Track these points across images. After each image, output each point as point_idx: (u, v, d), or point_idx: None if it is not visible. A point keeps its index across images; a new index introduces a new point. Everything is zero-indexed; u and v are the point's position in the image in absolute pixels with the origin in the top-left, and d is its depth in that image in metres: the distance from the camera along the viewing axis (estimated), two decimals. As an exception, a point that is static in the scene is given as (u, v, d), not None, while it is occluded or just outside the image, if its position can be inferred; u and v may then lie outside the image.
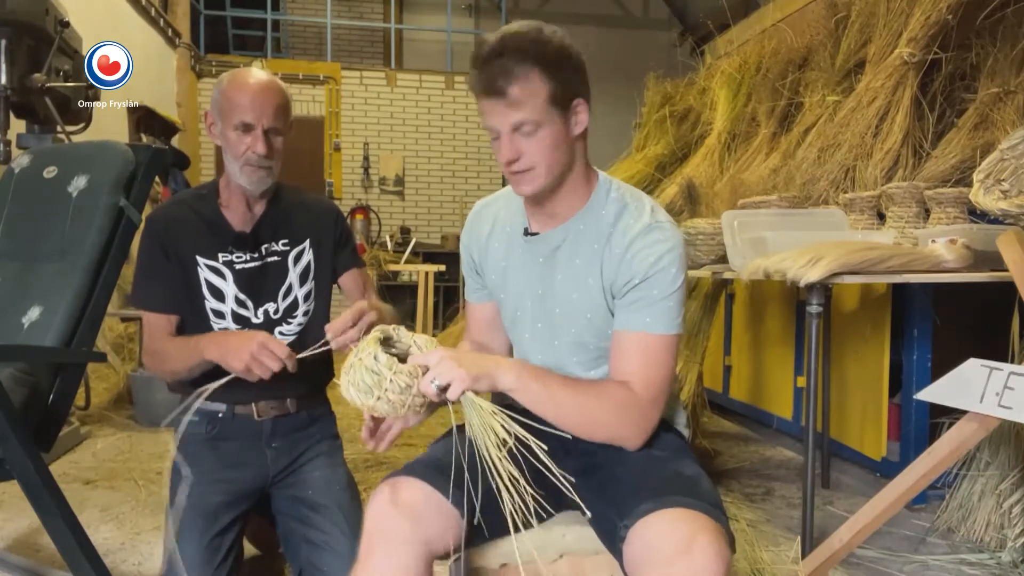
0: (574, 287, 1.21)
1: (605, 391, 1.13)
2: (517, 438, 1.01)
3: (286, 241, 1.61)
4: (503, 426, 1.00)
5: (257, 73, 1.51)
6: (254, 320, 1.57)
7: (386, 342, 1.10)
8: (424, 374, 1.02)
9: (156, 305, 1.56)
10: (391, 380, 1.00)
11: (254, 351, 1.32)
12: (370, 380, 1.00)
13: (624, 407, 1.11)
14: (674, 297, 1.14)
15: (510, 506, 1.00)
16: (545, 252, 1.23)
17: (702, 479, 1.10)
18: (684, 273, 1.16)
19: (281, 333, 1.59)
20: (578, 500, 1.06)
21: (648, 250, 1.14)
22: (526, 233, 1.25)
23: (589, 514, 1.11)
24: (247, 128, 1.47)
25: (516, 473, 1.00)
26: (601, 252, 1.18)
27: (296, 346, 1.58)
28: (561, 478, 1.01)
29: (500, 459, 1.00)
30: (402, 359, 1.06)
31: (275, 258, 1.59)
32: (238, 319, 1.56)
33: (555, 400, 1.08)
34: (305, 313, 1.62)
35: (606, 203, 1.21)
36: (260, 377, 1.34)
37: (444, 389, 1.01)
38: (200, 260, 1.55)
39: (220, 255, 1.56)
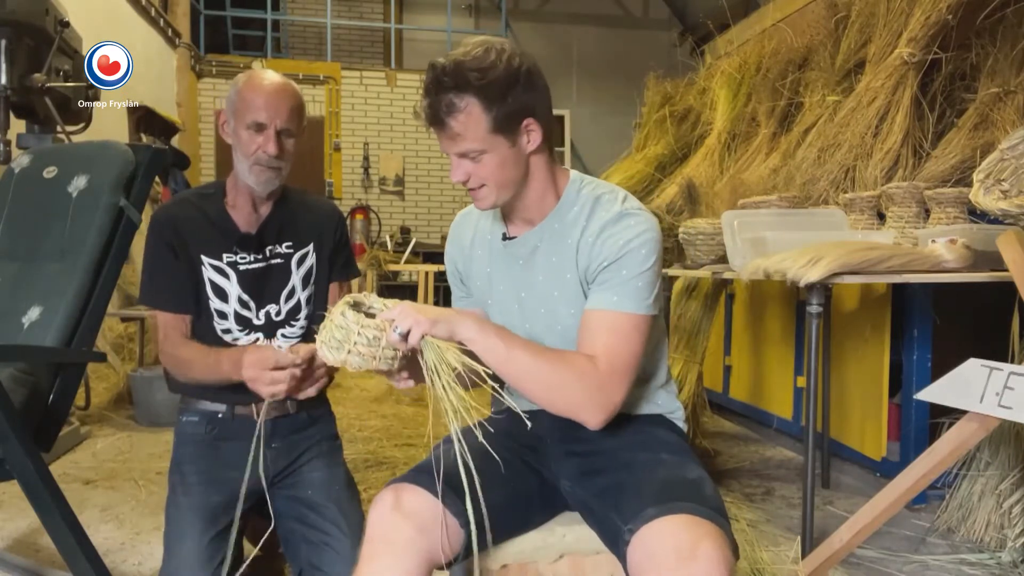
0: (554, 285, 1.22)
1: (566, 359, 1.13)
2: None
3: (290, 244, 1.61)
4: (457, 354, 1.04)
5: (273, 75, 1.52)
6: (255, 321, 1.57)
7: (356, 306, 1.12)
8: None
9: (167, 304, 1.55)
10: (359, 333, 1.03)
11: (253, 380, 1.37)
12: (340, 335, 1.04)
13: (584, 377, 1.10)
14: (644, 277, 1.14)
15: (454, 425, 1.04)
16: (524, 255, 1.25)
17: (706, 484, 1.10)
18: (656, 256, 1.16)
19: (284, 335, 1.59)
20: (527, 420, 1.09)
21: (619, 234, 1.16)
22: (504, 238, 1.27)
23: (528, 423, 1.12)
24: (260, 128, 1.47)
25: (465, 396, 1.04)
26: (576, 245, 1.19)
27: None
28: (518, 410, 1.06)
29: (449, 384, 1.03)
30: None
31: (278, 260, 1.59)
32: (240, 320, 1.56)
33: (514, 358, 1.09)
34: (307, 316, 1.62)
35: (577, 200, 1.22)
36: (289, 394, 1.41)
37: (406, 336, 1.03)
38: (205, 259, 1.55)
39: (224, 255, 1.56)
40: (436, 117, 1.12)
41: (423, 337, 1.04)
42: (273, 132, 1.47)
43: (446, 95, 1.10)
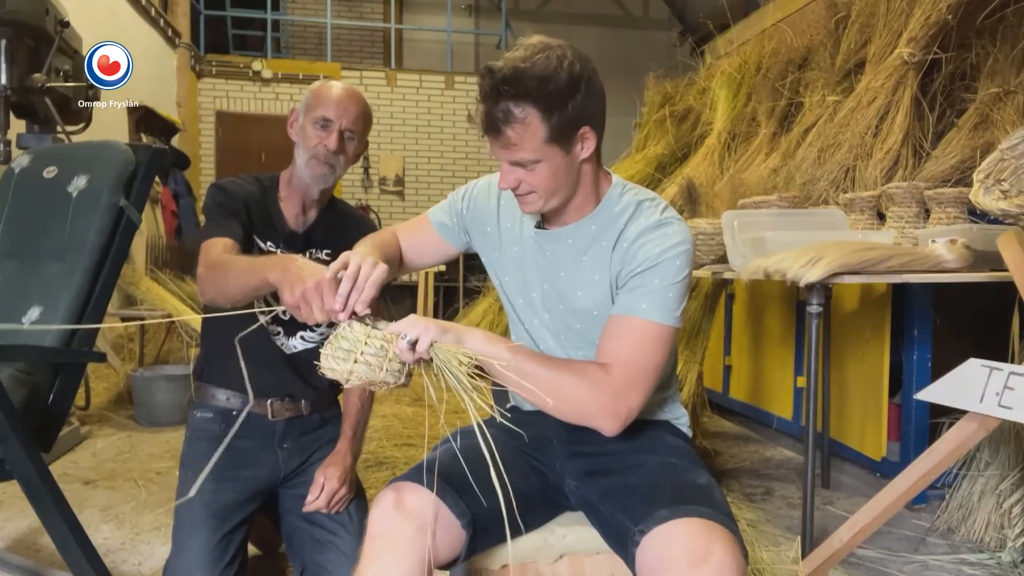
0: (578, 284, 1.22)
1: (578, 369, 1.12)
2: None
3: (329, 252, 1.63)
4: (467, 356, 1.03)
5: (348, 85, 1.60)
6: (282, 316, 1.58)
7: (362, 321, 1.12)
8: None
9: (229, 232, 1.47)
10: (366, 343, 1.03)
11: (307, 291, 1.12)
12: (347, 345, 1.04)
13: (595, 385, 1.09)
14: (674, 288, 1.14)
15: (473, 409, 0.99)
16: (552, 248, 1.24)
17: (715, 489, 1.10)
18: (689, 269, 1.16)
19: (303, 338, 1.61)
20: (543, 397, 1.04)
21: (656, 242, 1.15)
22: (537, 226, 1.26)
23: (550, 402, 1.07)
24: (326, 123, 1.53)
25: (480, 384, 1.01)
26: (611, 248, 1.19)
27: (314, 352, 1.59)
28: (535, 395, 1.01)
29: (465, 377, 1.01)
30: None
31: None
32: (267, 305, 1.57)
33: (523, 370, 1.07)
34: (329, 324, 1.62)
35: (618, 203, 1.22)
36: (305, 320, 1.18)
37: (414, 345, 1.02)
38: (256, 239, 1.57)
39: (269, 243, 1.59)
40: (492, 125, 1.09)
41: (432, 345, 1.03)
42: (337, 130, 1.53)
43: (504, 103, 1.07)
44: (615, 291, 1.19)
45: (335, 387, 1.70)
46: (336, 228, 1.65)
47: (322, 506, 1.52)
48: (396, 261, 1.36)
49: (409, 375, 1.07)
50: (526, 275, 1.28)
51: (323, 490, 1.52)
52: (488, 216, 1.34)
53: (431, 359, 1.04)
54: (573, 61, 1.09)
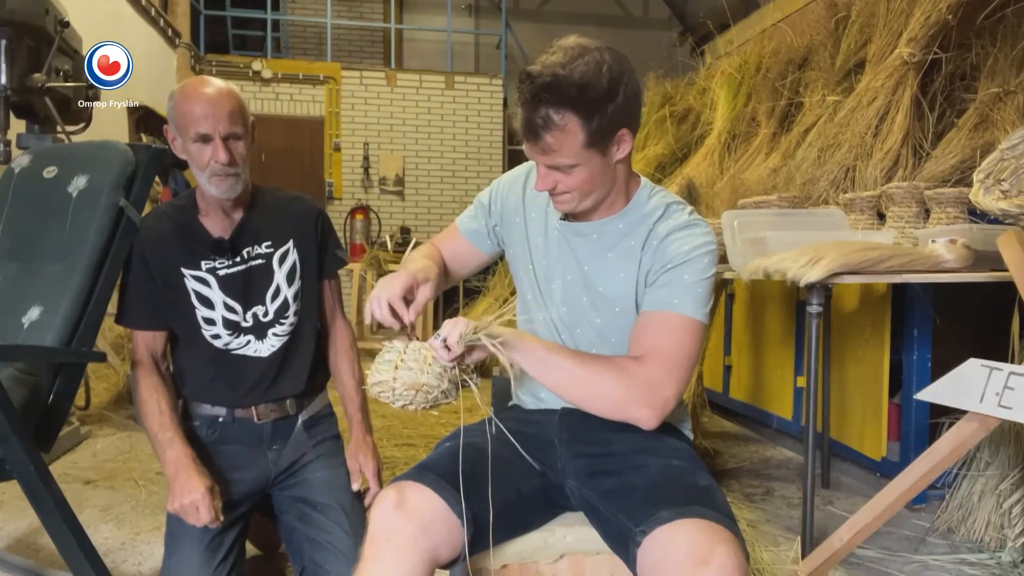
0: (601, 280, 1.23)
1: (612, 361, 1.12)
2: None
3: (269, 243, 1.61)
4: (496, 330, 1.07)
5: (206, 81, 1.49)
6: (243, 324, 1.57)
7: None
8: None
9: (133, 322, 1.58)
10: (406, 351, 1.08)
11: (185, 504, 1.40)
12: (390, 357, 1.08)
13: (627, 375, 1.10)
14: (703, 284, 1.16)
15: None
16: (577, 241, 1.25)
17: (717, 490, 1.10)
18: (715, 269, 1.19)
19: (275, 334, 1.60)
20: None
21: (685, 240, 1.17)
22: (563, 218, 1.27)
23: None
24: (205, 139, 1.45)
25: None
26: (640, 247, 1.20)
27: (288, 346, 1.61)
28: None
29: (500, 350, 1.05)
30: None
31: (259, 261, 1.59)
32: (228, 324, 1.57)
33: (555, 363, 1.08)
34: (296, 312, 1.62)
35: (647, 204, 1.24)
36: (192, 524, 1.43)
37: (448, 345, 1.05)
38: (185, 271, 1.55)
39: (203, 263, 1.56)
40: (532, 131, 1.10)
41: (461, 337, 1.04)
42: (219, 140, 1.45)
43: (544, 109, 1.07)
44: (642, 289, 1.20)
45: (318, 381, 1.71)
46: (266, 219, 1.61)
47: (377, 487, 1.60)
48: (443, 272, 1.39)
49: (456, 385, 1.09)
50: (548, 266, 1.29)
51: (368, 474, 1.61)
52: (516, 207, 1.35)
53: (464, 355, 1.06)
54: (612, 64, 1.10)
